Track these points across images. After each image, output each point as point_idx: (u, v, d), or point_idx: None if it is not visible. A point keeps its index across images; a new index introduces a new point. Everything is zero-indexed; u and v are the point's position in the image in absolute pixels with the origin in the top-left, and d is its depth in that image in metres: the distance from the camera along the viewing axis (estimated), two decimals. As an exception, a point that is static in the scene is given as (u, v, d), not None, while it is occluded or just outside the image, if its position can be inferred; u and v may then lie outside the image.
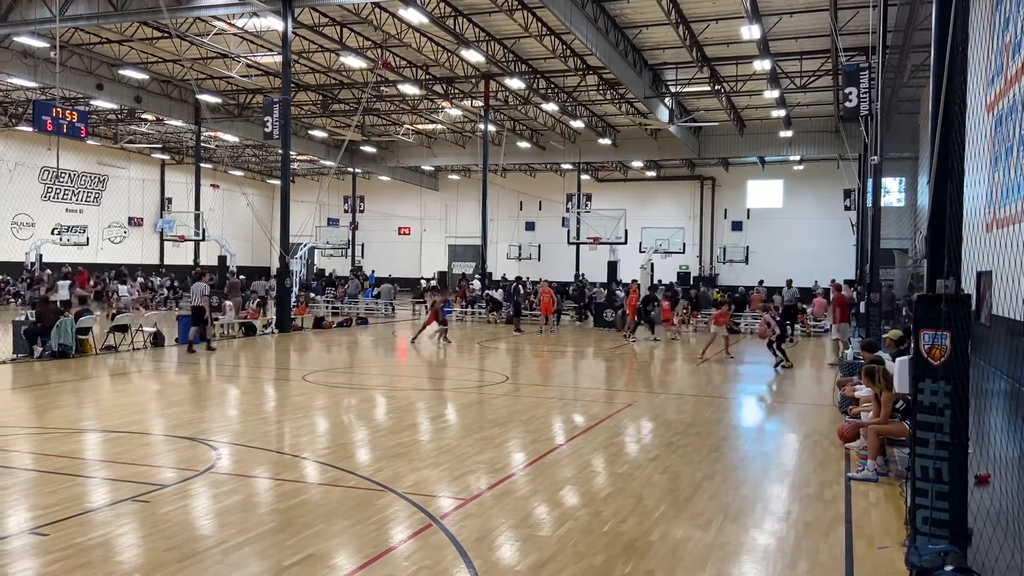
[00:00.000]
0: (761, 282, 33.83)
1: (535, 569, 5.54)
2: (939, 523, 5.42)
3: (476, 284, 35.85)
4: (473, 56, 28.05)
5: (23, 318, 17.35)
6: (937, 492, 5.43)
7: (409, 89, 32.99)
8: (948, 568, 5.01)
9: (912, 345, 5.61)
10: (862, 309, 19.71)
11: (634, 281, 26.17)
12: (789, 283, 28.10)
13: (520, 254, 50.35)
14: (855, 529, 6.55)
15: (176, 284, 37.65)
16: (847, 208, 41.39)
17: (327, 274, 48.86)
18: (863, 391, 9.49)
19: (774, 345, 17.81)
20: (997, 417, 10.54)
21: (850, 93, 19.24)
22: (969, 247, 6.52)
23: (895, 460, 8.46)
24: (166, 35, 27.60)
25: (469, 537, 6.10)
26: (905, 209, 25.64)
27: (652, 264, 34.57)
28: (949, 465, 5.41)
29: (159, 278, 39.38)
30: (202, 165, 42.59)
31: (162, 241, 49.74)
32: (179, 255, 48.49)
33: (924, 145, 20.51)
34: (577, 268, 46.39)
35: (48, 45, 26.97)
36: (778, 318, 18.91)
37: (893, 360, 8.48)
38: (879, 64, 16.65)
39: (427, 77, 33.36)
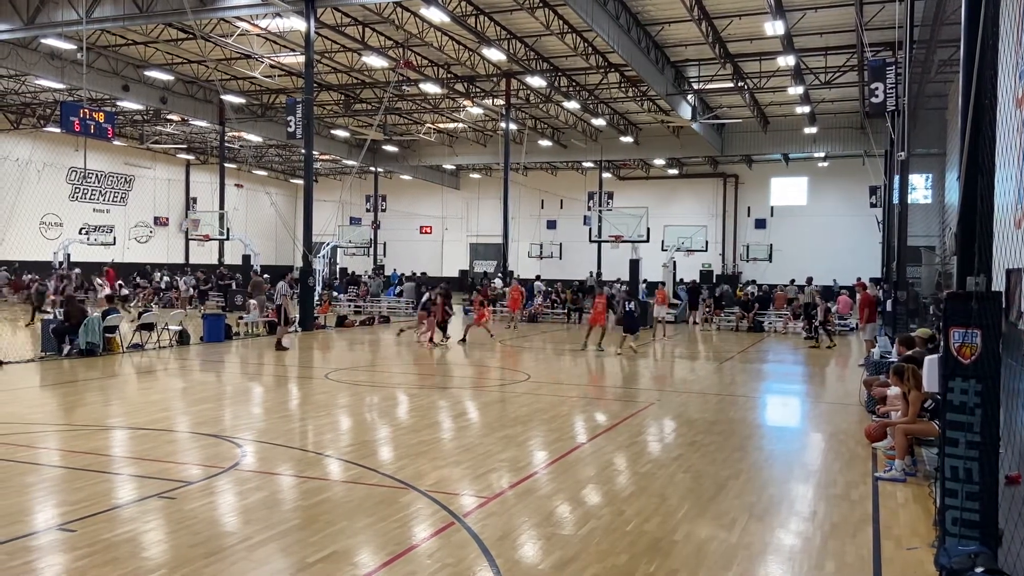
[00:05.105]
0: (793, 280, 33.69)
1: (558, 568, 5.52)
2: (969, 524, 5.34)
3: (498, 283, 35.82)
4: (494, 55, 28.04)
5: (51, 316, 17.60)
6: (967, 492, 5.35)
7: (430, 88, 33.05)
8: (978, 570, 4.94)
9: (942, 343, 5.52)
10: (888, 307, 19.50)
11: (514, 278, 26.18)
12: (809, 280, 27.89)
13: (542, 253, 50.25)
14: (883, 530, 6.47)
15: (200, 284, 37.97)
16: (873, 205, 40.87)
17: (349, 272, 49.10)
18: (894, 390, 9.37)
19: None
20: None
21: (876, 89, 19.00)
22: (999, 244, 6.41)
23: (923, 460, 8.35)
24: (190, 36, 27.86)
25: (492, 535, 6.09)
26: (932, 206, 25.27)
27: (674, 262, 34.40)
28: (979, 465, 5.33)
29: (183, 277, 39.78)
30: (226, 165, 42.94)
31: (187, 240, 50.25)
32: (204, 254, 48.96)
33: (952, 141, 20.20)
34: (599, 267, 46.24)
35: (75, 47, 27.30)
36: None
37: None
38: (906, 59, 16.45)
39: (448, 76, 33.39)
